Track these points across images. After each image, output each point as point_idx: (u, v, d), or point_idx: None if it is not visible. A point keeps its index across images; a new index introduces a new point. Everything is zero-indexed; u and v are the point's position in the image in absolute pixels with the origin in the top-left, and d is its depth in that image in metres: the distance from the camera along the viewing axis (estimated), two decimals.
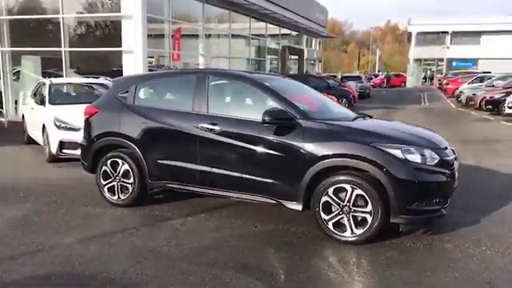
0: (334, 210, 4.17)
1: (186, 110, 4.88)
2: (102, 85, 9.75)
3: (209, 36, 17.92)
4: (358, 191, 4.04)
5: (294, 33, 29.84)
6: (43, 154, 8.06)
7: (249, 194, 4.58)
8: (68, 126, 7.53)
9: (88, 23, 14.16)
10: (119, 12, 12.46)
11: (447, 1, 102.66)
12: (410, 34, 53.90)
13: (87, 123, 5.47)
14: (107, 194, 5.28)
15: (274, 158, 4.37)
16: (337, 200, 4.14)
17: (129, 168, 5.12)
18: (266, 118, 4.30)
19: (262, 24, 23.10)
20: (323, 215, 4.20)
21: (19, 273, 3.51)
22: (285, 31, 27.58)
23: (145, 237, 4.33)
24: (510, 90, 17.45)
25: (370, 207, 4.02)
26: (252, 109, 4.73)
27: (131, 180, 5.13)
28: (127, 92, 5.30)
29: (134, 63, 12.01)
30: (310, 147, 4.21)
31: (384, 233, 4.15)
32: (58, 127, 7.55)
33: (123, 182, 5.18)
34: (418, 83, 48.94)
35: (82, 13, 13.72)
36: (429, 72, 48.03)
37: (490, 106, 17.35)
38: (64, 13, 13.19)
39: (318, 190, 4.20)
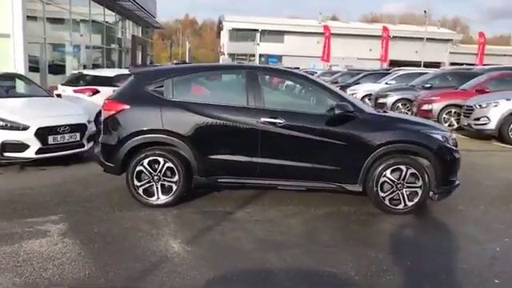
0: (387, 188, 4.96)
1: (239, 104, 4.95)
2: None
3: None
4: (412, 170, 4.92)
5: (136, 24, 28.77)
6: None
7: (311, 182, 5.00)
8: (9, 125, 6.34)
9: None
10: None
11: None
12: (220, 29, 57.11)
13: (113, 120, 4.93)
14: (143, 196, 4.92)
15: (337, 147, 4.89)
16: (393, 179, 4.94)
17: (173, 166, 4.88)
18: (337, 111, 4.80)
19: (112, 12, 21.74)
20: (380, 193, 4.95)
21: (208, 281, 3.32)
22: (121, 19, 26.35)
23: (239, 231, 4.35)
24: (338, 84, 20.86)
25: (420, 182, 4.95)
26: (309, 103, 5.12)
27: (176, 178, 4.91)
28: (162, 86, 5.00)
29: (11, 49, 10.23)
30: (371, 135, 4.89)
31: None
32: None
33: (165, 181, 4.91)
34: None
35: None
36: None
37: None
38: None
39: (376, 172, 4.92)
